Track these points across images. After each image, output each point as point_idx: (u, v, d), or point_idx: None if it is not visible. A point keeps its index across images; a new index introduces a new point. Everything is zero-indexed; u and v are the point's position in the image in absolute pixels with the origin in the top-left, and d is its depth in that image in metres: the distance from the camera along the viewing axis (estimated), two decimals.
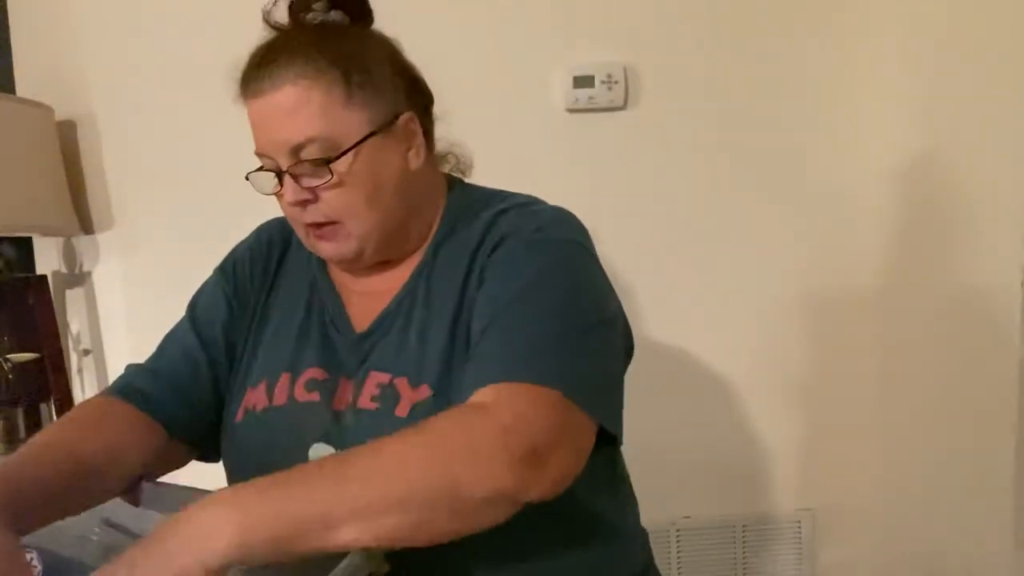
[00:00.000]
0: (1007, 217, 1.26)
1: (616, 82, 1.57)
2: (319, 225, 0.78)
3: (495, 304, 0.71)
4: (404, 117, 0.79)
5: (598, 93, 1.57)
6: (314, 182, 0.75)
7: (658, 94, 1.60)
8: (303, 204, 0.76)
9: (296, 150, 0.74)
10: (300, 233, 0.81)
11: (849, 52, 1.60)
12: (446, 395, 0.72)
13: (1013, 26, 1.25)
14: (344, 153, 0.74)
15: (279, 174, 0.76)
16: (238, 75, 0.78)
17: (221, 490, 0.59)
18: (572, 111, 1.59)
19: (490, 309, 0.71)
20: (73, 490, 0.70)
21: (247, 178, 0.79)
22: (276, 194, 0.79)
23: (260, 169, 0.78)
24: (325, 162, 0.74)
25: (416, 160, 0.80)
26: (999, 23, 1.28)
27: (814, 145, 1.63)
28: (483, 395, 0.64)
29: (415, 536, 0.59)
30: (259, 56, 0.77)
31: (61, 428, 0.78)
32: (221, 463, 0.86)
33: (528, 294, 0.71)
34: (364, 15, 0.83)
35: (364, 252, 0.79)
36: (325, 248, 0.79)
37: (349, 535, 0.56)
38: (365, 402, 0.75)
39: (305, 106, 0.74)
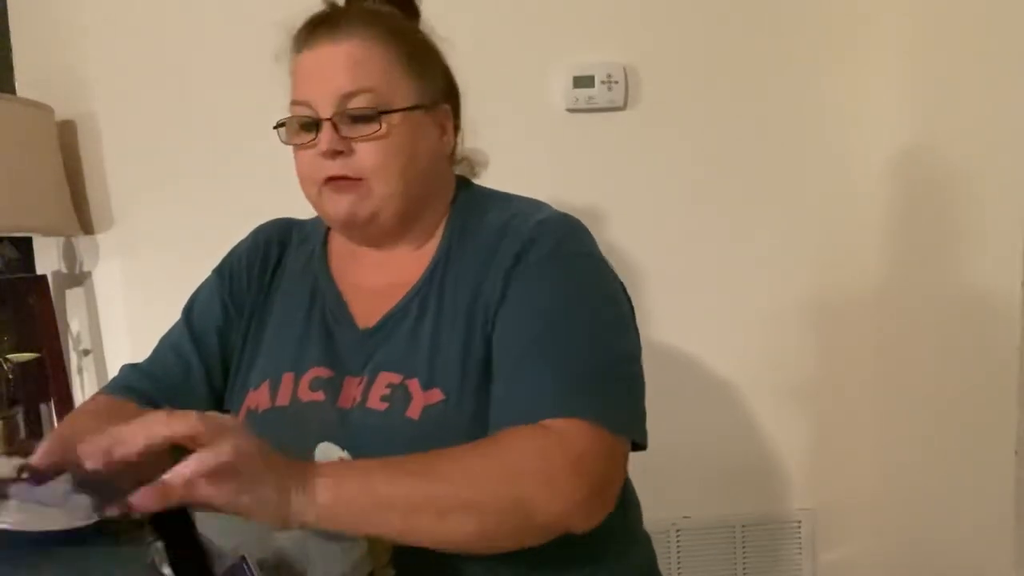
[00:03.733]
0: (1007, 217, 1.26)
1: (616, 82, 1.57)
2: (342, 178, 0.77)
3: (530, 328, 0.72)
4: (443, 108, 0.83)
5: (598, 93, 1.57)
6: (356, 132, 0.76)
7: (658, 94, 1.60)
8: (336, 155, 0.76)
9: (346, 98, 0.76)
10: (313, 192, 0.80)
11: (849, 52, 1.60)
12: (459, 400, 0.72)
13: (1013, 23, 1.24)
14: (395, 111, 0.76)
15: (316, 124, 0.77)
16: (294, 28, 0.81)
17: (332, 463, 0.67)
18: (572, 111, 1.59)
19: (525, 333, 0.72)
20: None
21: (276, 128, 0.80)
22: (301, 147, 0.78)
23: (295, 118, 0.79)
24: (378, 112, 0.76)
25: (446, 148, 0.84)
26: (999, 20, 1.28)
27: (814, 145, 1.63)
28: (546, 424, 0.66)
29: (474, 542, 0.63)
30: (326, 12, 0.80)
31: (84, 418, 0.78)
32: None
33: (562, 320, 0.72)
34: (413, 12, 0.87)
35: (378, 217, 0.79)
36: (341, 202, 0.78)
37: (421, 526, 0.61)
38: (374, 402, 0.74)
39: (369, 60, 0.77)
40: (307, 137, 0.77)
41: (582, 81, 1.57)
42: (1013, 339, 1.24)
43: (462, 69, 0.90)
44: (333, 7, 0.82)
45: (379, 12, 0.82)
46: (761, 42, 1.61)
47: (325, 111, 0.76)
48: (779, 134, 1.62)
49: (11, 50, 1.62)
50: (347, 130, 0.76)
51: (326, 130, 0.76)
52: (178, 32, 1.56)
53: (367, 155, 0.76)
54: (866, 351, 1.65)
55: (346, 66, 0.76)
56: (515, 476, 0.63)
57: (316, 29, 0.79)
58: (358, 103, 0.76)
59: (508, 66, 1.58)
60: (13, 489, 0.56)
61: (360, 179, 0.77)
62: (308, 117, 0.77)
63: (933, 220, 1.47)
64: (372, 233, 0.82)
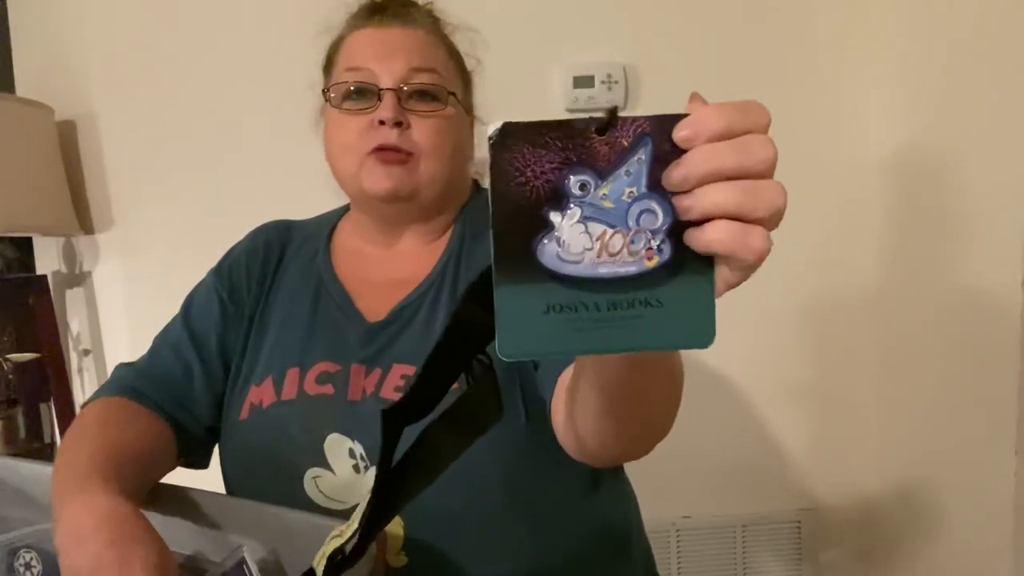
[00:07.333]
0: (1007, 217, 1.26)
1: (616, 82, 1.57)
2: (393, 150, 0.77)
3: None
4: (472, 118, 0.88)
5: (598, 93, 1.57)
6: (417, 107, 0.78)
7: (658, 94, 1.60)
8: (396, 124, 0.77)
9: (413, 72, 0.78)
10: (353, 162, 0.80)
11: (849, 52, 1.60)
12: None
13: (1013, 23, 1.24)
14: (454, 96, 0.81)
15: (374, 93, 0.78)
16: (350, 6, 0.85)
17: None
18: (572, 111, 1.59)
19: None
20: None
21: (324, 91, 0.82)
22: (350, 113, 0.79)
23: (350, 83, 0.80)
24: (446, 92, 0.80)
25: (472, 152, 0.88)
26: (998, 20, 1.28)
27: (814, 145, 1.63)
28: None
29: (628, 417, 0.59)
30: (391, 2, 0.84)
31: (101, 427, 0.74)
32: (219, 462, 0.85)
33: None
34: None
35: (417, 197, 0.80)
36: (387, 176, 0.78)
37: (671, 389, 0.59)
38: (388, 392, 0.74)
39: (437, 48, 0.83)
40: (362, 104, 0.79)
41: (582, 81, 1.57)
42: (1013, 339, 1.24)
43: None
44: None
45: (440, 17, 0.88)
46: (761, 43, 1.61)
47: (388, 81, 0.78)
48: (778, 134, 1.61)
49: (11, 50, 1.62)
50: (407, 104, 0.78)
51: (389, 98, 0.77)
52: (178, 32, 1.56)
53: (424, 132, 0.78)
54: (866, 351, 1.65)
55: (417, 46, 0.80)
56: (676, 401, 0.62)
57: (385, 10, 0.82)
58: (426, 79, 0.79)
59: (508, 66, 1.57)
60: None
61: (411, 154, 0.78)
62: (367, 83, 0.78)
63: (933, 220, 1.47)
64: (400, 213, 0.83)
